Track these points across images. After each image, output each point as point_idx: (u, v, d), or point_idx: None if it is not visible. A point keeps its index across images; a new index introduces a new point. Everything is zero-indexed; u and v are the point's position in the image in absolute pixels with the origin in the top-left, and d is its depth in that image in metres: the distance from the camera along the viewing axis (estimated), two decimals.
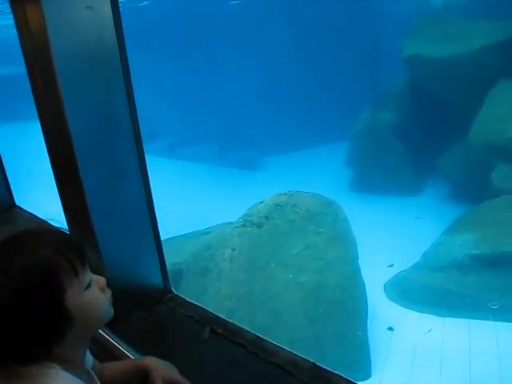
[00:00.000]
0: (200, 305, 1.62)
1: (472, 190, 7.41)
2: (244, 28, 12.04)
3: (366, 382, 4.94)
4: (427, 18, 9.18)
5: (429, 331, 5.45)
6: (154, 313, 1.65)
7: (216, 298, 4.78)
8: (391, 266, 5.36)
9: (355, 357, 5.04)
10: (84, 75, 1.43)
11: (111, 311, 1.12)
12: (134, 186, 1.68)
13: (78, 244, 1.06)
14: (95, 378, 1.14)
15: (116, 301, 1.65)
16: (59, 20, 1.30)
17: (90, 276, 1.06)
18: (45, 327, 0.95)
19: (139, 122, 1.62)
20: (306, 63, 11.69)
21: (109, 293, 1.11)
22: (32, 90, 1.52)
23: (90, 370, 1.15)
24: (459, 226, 6.62)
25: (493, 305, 5.61)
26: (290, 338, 4.76)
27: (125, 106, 1.52)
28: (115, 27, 1.43)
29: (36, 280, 0.94)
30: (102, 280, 1.10)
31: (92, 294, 1.04)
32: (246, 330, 1.49)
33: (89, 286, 1.04)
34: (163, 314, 1.63)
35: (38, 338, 0.95)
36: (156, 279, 1.73)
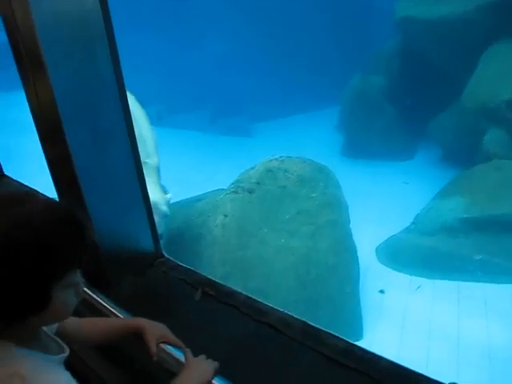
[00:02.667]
0: (191, 268, 1.62)
1: (463, 154, 7.40)
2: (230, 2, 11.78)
3: (357, 343, 5.03)
4: None
5: (418, 288, 5.54)
6: (146, 276, 1.65)
7: (209, 263, 4.80)
8: (419, 287, 5.49)
9: (347, 319, 5.12)
10: (66, 38, 1.39)
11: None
12: (121, 149, 1.66)
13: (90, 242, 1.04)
14: (60, 342, 1.13)
15: (107, 265, 1.65)
16: None
17: (79, 278, 1.03)
18: (21, 300, 0.92)
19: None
20: (296, 28, 11.48)
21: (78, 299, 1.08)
22: (14, 57, 1.48)
23: (54, 337, 1.13)
24: (450, 190, 6.65)
25: (477, 257, 5.71)
26: (282, 301, 4.81)
27: (109, 68, 1.48)
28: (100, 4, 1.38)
29: (43, 247, 0.92)
30: (81, 286, 1.08)
31: (71, 296, 1.02)
32: (238, 292, 1.50)
33: (73, 286, 1.01)
34: (155, 278, 1.64)
35: (8, 308, 0.92)
36: (147, 243, 1.73)
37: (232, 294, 1.51)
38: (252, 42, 11.85)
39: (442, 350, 4.79)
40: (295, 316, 1.38)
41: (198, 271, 1.63)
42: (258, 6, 11.69)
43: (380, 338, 5.08)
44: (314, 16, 11.41)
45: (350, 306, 5.18)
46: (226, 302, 1.48)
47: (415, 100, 8.69)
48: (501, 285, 5.60)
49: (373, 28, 10.31)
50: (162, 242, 2.82)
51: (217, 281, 1.55)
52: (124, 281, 1.65)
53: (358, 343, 4.82)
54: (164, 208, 4.08)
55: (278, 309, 1.41)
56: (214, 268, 4.79)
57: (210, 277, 1.58)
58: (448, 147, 8.37)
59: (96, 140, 1.57)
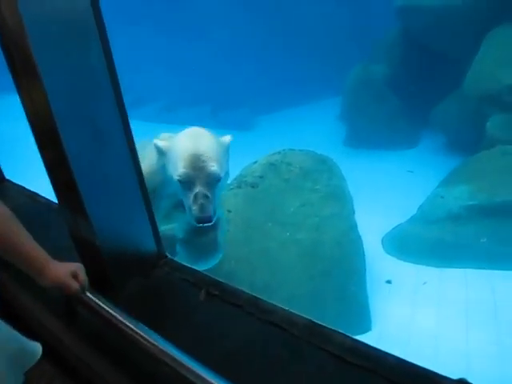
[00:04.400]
0: (194, 268, 1.61)
1: (467, 140, 7.35)
2: None
3: (366, 334, 5.03)
4: None
5: (424, 284, 5.52)
6: (150, 278, 1.64)
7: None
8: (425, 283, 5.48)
9: (355, 310, 5.11)
10: (58, 38, 1.37)
11: None
12: (119, 152, 1.64)
13: None
14: None
15: (110, 268, 1.64)
16: None
17: None
18: None
19: (121, 84, 1.56)
20: (296, 19, 11.40)
21: None
22: (6, 59, 1.46)
23: None
24: (455, 178, 6.61)
25: (482, 240, 5.69)
26: (288, 294, 4.81)
27: (103, 68, 1.46)
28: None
29: None
30: None
31: None
32: (242, 291, 1.48)
33: None
34: (159, 279, 1.62)
35: None
36: (149, 244, 1.72)
37: (236, 293, 1.50)
38: (252, 34, 11.78)
39: (451, 340, 4.79)
40: (300, 314, 1.37)
41: (201, 271, 1.61)
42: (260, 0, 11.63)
43: (388, 329, 5.07)
44: (314, 7, 11.33)
45: (357, 298, 5.17)
46: (231, 302, 1.47)
47: (417, 88, 8.62)
48: (507, 271, 5.58)
49: (373, 17, 10.21)
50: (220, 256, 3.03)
51: (220, 280, 1.54)
52: (128, 283, 1.64)
53: (367, 335, 4.84)
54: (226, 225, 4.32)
55: (283, 307, 1.40)
56: (220, 264, 4.76)
57: (213, 276, 1.56)
58: (452, 134, 8.31)
59: (93, 143, 1.56)
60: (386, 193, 7.36)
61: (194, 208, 2.59)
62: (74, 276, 1.50)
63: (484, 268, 5.67)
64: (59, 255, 1.82)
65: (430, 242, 6.09)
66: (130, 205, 1.70)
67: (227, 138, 3.01)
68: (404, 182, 7.73)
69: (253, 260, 4.93)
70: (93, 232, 1.62)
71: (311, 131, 9.82)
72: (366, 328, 5.12)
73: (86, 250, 1.68)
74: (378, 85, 8.89)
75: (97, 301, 1.48)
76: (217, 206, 2.70)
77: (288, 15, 11.50)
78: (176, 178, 2.64)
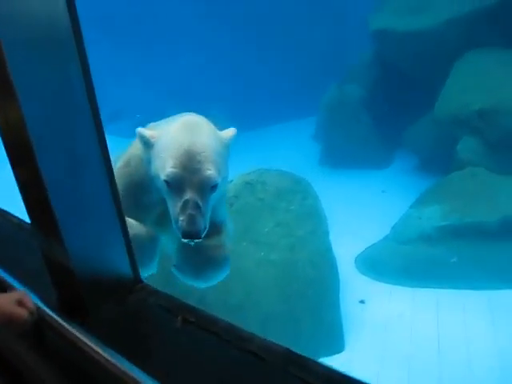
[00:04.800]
0: (170, 294, 1.59)
1: (439, 162, 7.52)
2: (209, 6, 11.79)
3: (339, 355, 5.04)
4: None
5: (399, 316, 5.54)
6: (124, 304, 1.60)
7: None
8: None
9: (328, 331, 5.12)
10: (36, 61, 1.35)
11: None
12: (95, 170, 1.61)
13: None
14: None
15: (84, 293, 1.60)
16: (5, 4, 1.21)
17: None
18: None
19: (100, 105, 1.54)
20: (272, 38, 11.54)
21: None
22: None
23: None
24: (427, 198, 6.74)
25: (453, 260, 5.78)
26: (263, 315, 4.79)
27: (82, 91, 1.44)
28: (68, 7, 1.34)
29: None
30: None
31: None
32: (219, 318, 1.46)
33: None
34: (134, 305, 1.59)
35: None
36: (125, 268, 1.68)
37: (213, 320, 1.47)
38: (227, 53, 11.86)
39: (424, 360, 4.82)
40: (278, 343, 1.36)
41: (176, 297, 1.59)
42: (236, 16, 11.73)
43: (361, 350, 5.09)
44: (289, 27, 11.50)
45: (331, 318, 5.18)
46: (208, 329, 1.44)
47: (391, 109, 8.81)
48: (479, 291, 5.68)
49: (349, 39, 10.41)
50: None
51: (197, 307, 1.52)
52: (102, 309, 1.59)
53: (340, 355, 4.84)
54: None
55: (260, 336, 1.38)
56: (192, 288, 4.73)
57: (189, 303, 1.54)
58: (423, 155, 8.50)
59: (70, 165, 1.53)
60: (359, 212, 7.44)
61: (181, 219, 2.17)
62: (20, 304, 1.36)
63: (456, 288, 5.76)
64: (30, 278, 1.77)
65: (403, 262, 6.17)
66: (105, 227, 1.67)
67: (229, 133, 2.53)
68: (377, 202, 7.84)
69: (227, 279, 4.90)
70: (67, 254, 1.57)
71: (286, 150, 9.89)
72: (339, 348, 5.13)
73: (59, 273, 1.64)
74: (352, 105, 9.05)
75: (68, 326, 1.44)
76: (208, 218, 2.27)
77: (263, 35, 11.63)
78: (163, 178, 2.23)
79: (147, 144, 2.38)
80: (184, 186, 2.18)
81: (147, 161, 2.41)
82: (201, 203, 2.18)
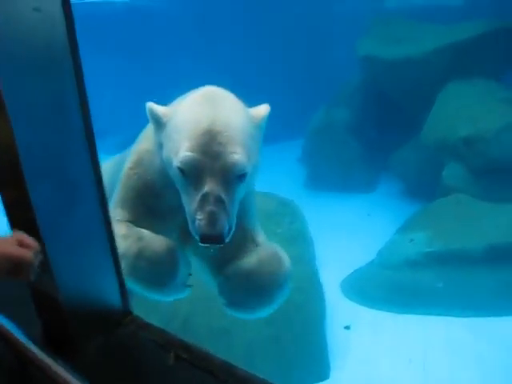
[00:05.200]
0: (162, 327, 1.52)
1: (424, 187, 7.58)
2: (196, 27, 11.89)
3: (324, 382, 4.95)
4: (381, 19, 9.32)
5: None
6: (113, 337, 1.53)
7: (172, 303, 4.64)
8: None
9: (314, 357, 5.03)
10: (30, 82, 1.30)
11: None
12: (88, 198, 1.55)
13: None
14: None
15: (72, 326, 1.52)
16: (3, 24, 1.16)
17: None
18: None
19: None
20: (260, 61, 11.61)
21: None
22: None
23: None
24: (413, 224, 6.75)
25: (438, 285, 5.78)
26: (248, 339, 4.70)
27: (78, 117, 1.39)
28: (67, 30, 1.29)
29: None
30: None
31: None
32: (213, 355, 1.40)
33: None
34: (123, 339, 1.51)
35: None
36: (114, 300, 1.61)
37: (207, 357, 1.41)
38: (215, 72, 11.86)
39: None
40: (276, 383, 1.30)
41: (169, 331, 1.52)
42: (222, 38, 11.80)
43: (347, 377, 5.01)
44: (277, 49, 11.59)
45: (316, 344, 5.10)
46: (202, 367, 1.38)
47: (377, 134, 8.90)
48: (463, 318, 5.68)
49: (337, 63, 10.52)
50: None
51: (190, 343, 1.45)
52: (89, 342, 1.52)
53: (325, 382, 4.75)
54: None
55: (258, 375, 1.32)
56: (177, 308, 4.63)
57: (182, 338, 1.47)
58: (409, 180, 8.56)
59: (61, 189, 1.47)
60: (345, 236, 7.42)
61: (199, 217, 1.69)
62: (21, 244, 1.22)
63: (441, 315, 5.74)
64: (13, 308, 1.68)
65: (389, 287, 6.14)
66: (95, 257, 1.60)
67: (261, 111, 2.07)
68: (363, 226, 7.83)
69: (210, 303, 4.80)
70: (54, 284, 1.50)
71: (272, 173, 9.84)
72: (324, 375, 5.05)
73: (45, 303, 1.56)
74: (339, 129, 9.10)
75: (53, 364, 1.36)
76: (234, 218, 1.78)
77: (250, 57, 11.70)
78: (176, 164, 1.76)
79: (158, 124, 1.93)
80: (203, 174, 1.70)
81: (159, 145, 1.95)
82: (224, 197, 1.71)
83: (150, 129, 2.11)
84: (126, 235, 2.00)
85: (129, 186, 2.13)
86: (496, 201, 6.47)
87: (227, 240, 1.73)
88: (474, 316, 5.66)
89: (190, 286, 2.17)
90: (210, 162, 1.69)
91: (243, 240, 2.06)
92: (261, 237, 2.24)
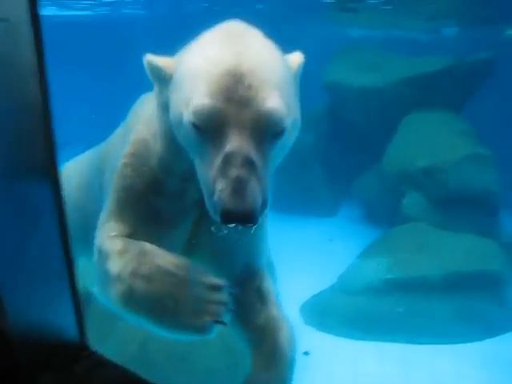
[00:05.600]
0: (122, 365, 1.40)
1: (385, 212, 7.70)
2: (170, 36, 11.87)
3: None
4: (347, 46, 9.52)
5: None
6: (67, 376, 1.40)
7: (129, 328, 4.46)
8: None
9: None
10: None
11: None
12: (46, 230, 1.44)
13: None
14: None
15: (21, 359, 1.39)
16: None
17: None
18: None
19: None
20: None
21: None
22: None
23: None
24: (373, 250, 6.82)
25: (399, 309, 5.81)
26: (206, 367, 4.58)
27: (41, 140, 1.29)
28: (35, 42, 1.20)
29: None
30: None
31: None
32: None
33: None
34: (79, 379, 1.39)
35: None
36: (71, 332, 1.49)
37: None
38: None
39: None
40: None
41: (128, 369, 1.41)
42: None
43: None
44: None
45: None
46: None
47: (341, 159, 9.00)
48: (422, 345, 5.72)
49: (303, 88, 10.66)
50: None
51: (153, 383, 1.34)
52: (40, 379, 1.39)
53: None
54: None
55: None
56: (133, 332, 4.46)
57: (144, 377, 1.36)
58: (370, 206, 8.68)
59: (18, 217, 1.36)
60: (306, 260, 7.41)
61: (222, 187, 1.28)
62: None
63: (400, 342, 5.78)
64: None
65: (349, 313, 6.14)
66: (51, 284, 1.48)
67: (296, 58, 1.65)
68: (324, 250, 7.86)
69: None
70: (3, 313, 1.38)
71: None
72: None
73: None
74: (303, 153, 9.13)
75: None
76: (269, 189, 1.43)
77: None
78: (188, 118, 1.34)
79: (161, 79, 1.54)
80: (226, 129, 1.29)
81: (163, 107, 1.55)
82: (256, 159, 1.31)
83: (137, 115, 1.86)
84: (121, 251, 1.66)
85: (124, 187, 1.77)
86: (454, 230, 6.62)
87: (260, 219, 1.33)
88: (431, 343, 5.74)
89: (222, 322, 1.64)
90: (236, 112, 1.28)
91: (247, 286, 1.73)
92: (268, 284, 1.92)
